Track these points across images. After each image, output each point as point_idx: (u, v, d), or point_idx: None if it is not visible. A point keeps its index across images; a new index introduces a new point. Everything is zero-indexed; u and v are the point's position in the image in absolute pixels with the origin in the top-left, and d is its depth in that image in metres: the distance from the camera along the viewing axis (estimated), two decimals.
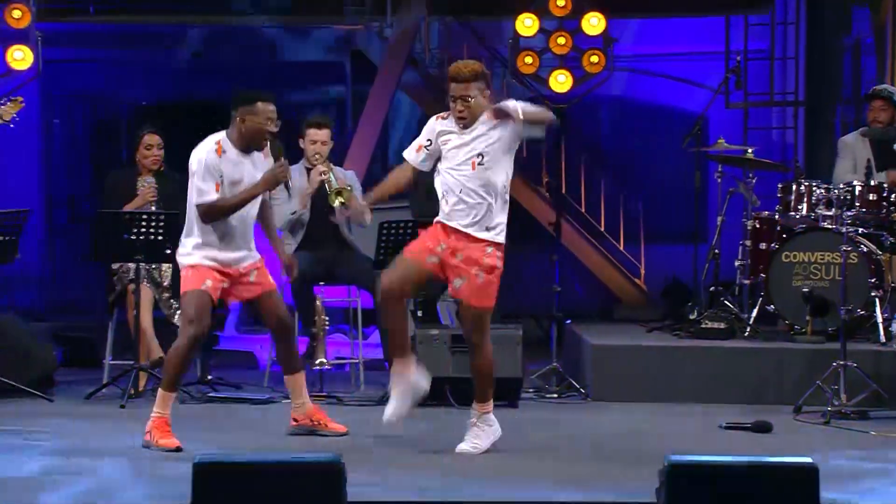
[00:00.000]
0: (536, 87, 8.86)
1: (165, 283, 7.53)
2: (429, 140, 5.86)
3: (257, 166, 5.95)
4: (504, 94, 10.85)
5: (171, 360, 5.86)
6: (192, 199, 5.86)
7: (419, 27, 10.76)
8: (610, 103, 11.71)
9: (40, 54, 8.53)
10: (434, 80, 10.85)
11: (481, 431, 5.83)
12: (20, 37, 8.44)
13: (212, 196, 5.80)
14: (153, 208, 7.50)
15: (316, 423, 6.12)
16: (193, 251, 5.89)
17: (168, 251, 7.08)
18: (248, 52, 11.60)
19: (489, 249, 5.75)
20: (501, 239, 5.82)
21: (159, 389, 5.91)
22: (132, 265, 7.22)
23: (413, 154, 5.93)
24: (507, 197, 5.86)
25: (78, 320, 9.58)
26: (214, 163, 5.82)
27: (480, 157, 5.72)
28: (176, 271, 7.51)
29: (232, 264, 5.92)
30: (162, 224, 7.06)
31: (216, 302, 5.98)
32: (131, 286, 7.26)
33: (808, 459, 4.28)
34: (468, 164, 5.73)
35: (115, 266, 7.51)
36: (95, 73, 11.95)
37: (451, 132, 5.79)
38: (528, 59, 8.71)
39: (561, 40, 8.63)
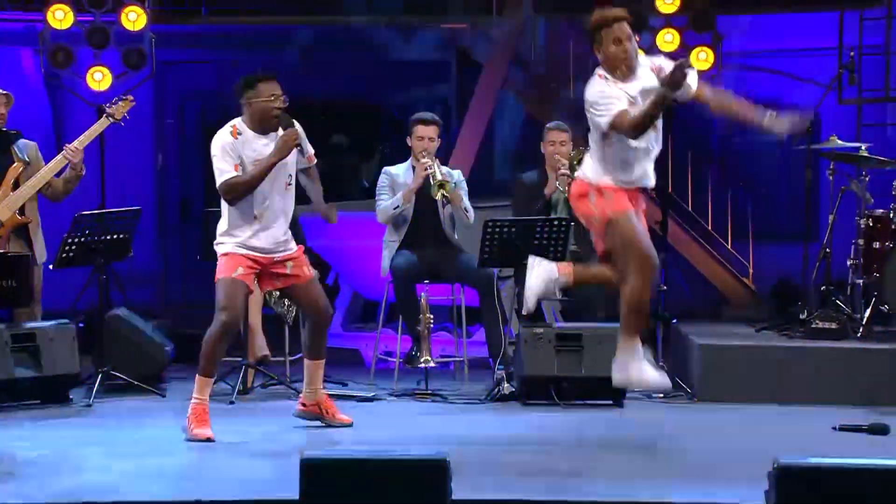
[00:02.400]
0: None
1: None
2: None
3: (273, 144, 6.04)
4: None
5: (203, 346, 5.99)
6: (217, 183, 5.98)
7: (525, 26, 10.73)
8: None
9: (154, 55, 8.70)
10: (540, 79, 10.82)
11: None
12: (135, 38, 8.62)
13: (230, 173, 5.92)
14: None
15: (324, 411, 6.20)
16: (225, 239, 6.02)
17: None
18: (355, 51, 11.67)
19: None
20: None
21: (196, 375, 6.03)
22: None
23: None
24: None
25: (189, 317, 9.74)
26: (230, 144, 5.96)
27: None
28: None
29: (264, 252, 6.01)
30: None
31: (251, 289, 6.08)
32: None
33: None
34: None
35: None
36: (207, 73, 12.15)
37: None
38: None
39: (668, 37, 8.53)
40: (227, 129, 6.04)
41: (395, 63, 11.62)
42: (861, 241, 7.83)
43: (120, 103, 7.29)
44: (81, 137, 7.19)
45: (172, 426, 6.33)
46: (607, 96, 5.60)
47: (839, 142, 8.09)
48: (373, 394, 7.29)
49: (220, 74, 12.13)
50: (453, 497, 4.29)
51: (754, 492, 4.43)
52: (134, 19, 8.60)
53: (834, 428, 6.33)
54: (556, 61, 10.94)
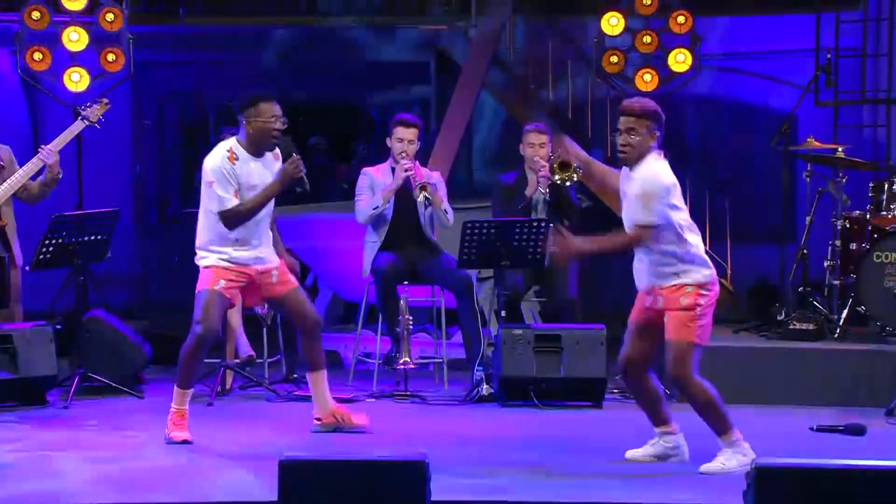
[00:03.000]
0: (622, 86, 8.79)
1: None
2: None
3: (268, 168, 6.03)
4: (589, 93, 10.85)
5: (179, 358, 6.00)
6: (211, 207, 5.95)
7: (504, 27, 10.73)
8: (696, 102, 11.58)
9: (132, 56, 8.67)
10: (519, 81, 10.82)
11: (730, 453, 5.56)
12: (113, 39, 8.58)
13: (232, 202, 5.90)
14: None
15: (339, 419, 6.17)
16: (209, 253, 6.00)
17: None
18: (333, 52, 11.67)
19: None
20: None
21: (174, 385, 6.04)
22: None
23: None
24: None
25: (168, 318, 9.71)
26: (229, 170, 5.93)
27: None
28: None
29: (249, 264, 6.00)
30: None
31: (233, 303, 6.08)
32: None
33: None
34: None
35: None
36: (185, 74, 12.12)
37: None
38: (614, 59, 8.64)
39: (647, 39, 8.56)
40: (222, 152, 5.97)
41: (373, 64, 11.62)
42: (838, 243, 7.86)
43: (95, 106, 7.25)
44: (57, 140, 7.15)
45: (150, 428, 6.31)
46: None
47: (816, 143, 8.13)
48: (352, 395, 7.28)
49: (197, 75, 12.10)
50: (432, 498, 4.29)
51: (733, 492, 4.44)
52: (112, 20, 8.56)
53: (811, 429, 6.36)
54: (535, 62, 10.95)
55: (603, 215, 10.44)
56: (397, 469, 4.30)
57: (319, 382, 6.16)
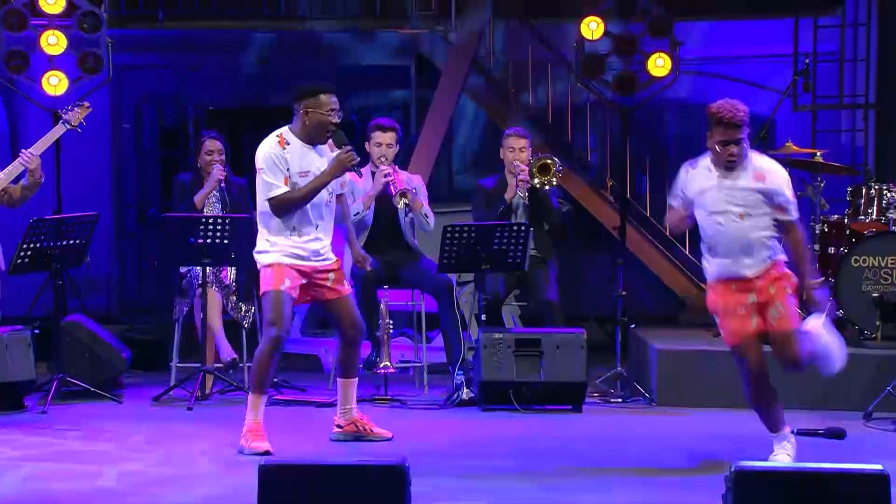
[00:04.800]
0: (601, 90, 8.81)
1: (233, 287, 7.60)
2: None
3: (323, 157, 5.96)
4: (568, 97, 10.86)
5: (255, 362, 5.90)
6: (263, 194, 5.87)
7: (484, 31, 10.74)
8: (676, 106, 11.61)
9: (111, 60, 8.64)
10: (499, 85, 10.83)
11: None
12: (91, 43, 8.55)
13: (281, 189, 5.82)
14: (219, 209, 7.57)
15: (361, 428, 6.12)
16: (270, 249, 5.89)
17: (233, 255, 7.15)
18: (313, 56, 11.65)
19: None
20: None
21: (249, 393, 5.95)
22: (200, 269, 7.28)
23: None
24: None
25: (147, 322, 9.69)
26: (279, 155, 5.85)
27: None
28: (240, 274, 7.60)
29: (308, 258, 5.91)
30: (227, 228, 7.11)
31: (297, 302, 5.99)
32: (199, 290, 7.33)
33: (878, 467, 4.21)
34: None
35: (183, 270, 7.59)
36: (164, 78, 12.08)
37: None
38: (594, 63, 8.65)
39: (627, 43, 8.57)
40: (273, 139, 5.90)
41: (353, 68, 11.61)
42: (816, 247, 7.90)
43: (77, 109, 7.23)
44: (38, 144, 7.12)
45: (129, 432, 6.30)
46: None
47: (795, 148, 8.17)
48: (332, 399, 7.26)
49: (177, 79, 12.07)
50: (412, 503, 4.29)
51: (712, 495, 4.46)
52: (90, 24, 8.52)
53: (791, 432, 6.37)
54: (515, 67, 10.96)
55: (583, 219, 10.47)
56: (377, 473, 4.30)
57: (349, 389, 6.13)
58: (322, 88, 5.91)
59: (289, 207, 5.85)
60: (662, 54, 8.47)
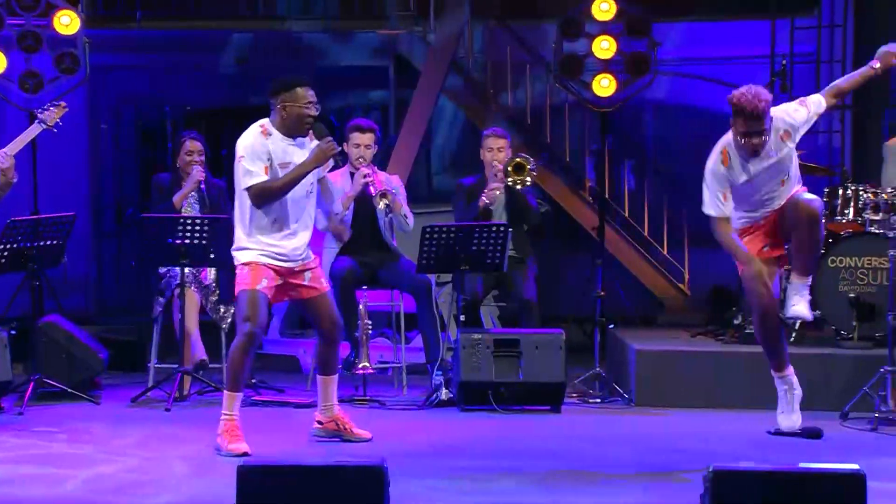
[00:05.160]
0: (580, 91, 8.82)
1: (213, 287, 7.58)
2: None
3: (304, 150, 5.93)
4: (547, 97, 10.88)
5: (230, 359, 5.89)
6: (241, 184, 5.81)
7: (462, 31, 10.75)
8: (654, 107, 11.64)
9: (88, 60, 8.60)
10: (477, 86, 10.84)
11: None
12: (68, 43, 8.51)
13: (261, 177, 5.78)
14: (198, 210, 7.56)
15: (341, 427, 6.12)
16: (248, 245, 5.86)
17: (212, 255, 7.13)
18: (292, 56, 11.63)
19: None
20: None
21: (224, 391, 5.94)
22: (178, 270, 7.26)
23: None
24: None
25: (125, 323, 9.65)
26: (261, 144, 5.81)
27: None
28: (220, 275, 7.57)
29: (286, 258, 5.88)
30: (206, 229, 7.09)
31: (272, 302, 5.97)
32: (177, 290, 7.30)
33: (855, 466, 4.23)
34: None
35: (161, 270, 7.56)
36: (142, 78, 12.04)
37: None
38: (572, 64, 8.66)
39: (605, 44, 8.59)
40: (256, 128, 5.86)
41: (332, 69, 11.59)
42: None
43: (53, 109, 7.18)
44: (12, 144, 7.07)
45: (107, 434, 6.27)
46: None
47: None
48: (311, 400, 7.26)
49: (155, 79, 12.03)
50: (391, 503, 4.28)
51: (690, 496, 4.47)
52: (67, 23, 8.48)
53: (769, 432, 6.40)
54: (494, 67, 10.97)
55: (562, 220, 10.49)
56: (356, 474, 4.29)
57: (329, 386, 6.12)
58: (298, 82, 5.89)
59: (268, 197, 5.80)
60: (641, 55, 8.49)
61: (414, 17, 10.74)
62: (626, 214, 11.11)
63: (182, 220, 7.15)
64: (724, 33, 11.30)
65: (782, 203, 5.64)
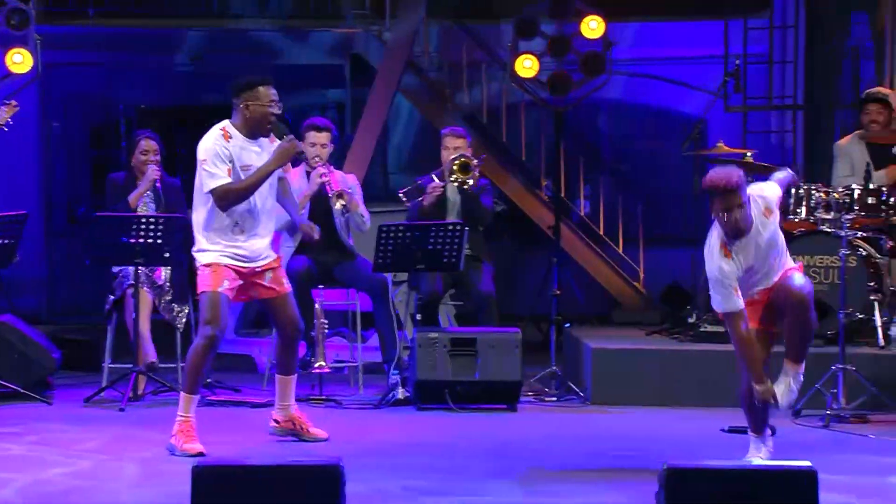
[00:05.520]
0: (535, 90, 8.85)
1: (166, 287, 7.53)
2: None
3: (265, 151, 5.92)
4: (503, 96, 10.90)
5: (189, 361, 5.86)
6: (204, 187, 5.79)
7: (418, 31, 10.75)
8: (609, 107, 11.70)
9: (39, 57, 8.52)
10: (434, 85, 10.85)
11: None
12: (19, 40, 8.43)
13: (224, 179, 5.76)
14: (153, 209, 7.51)
15: (298, 427, 6.10)
16: (210, 248, 5.84)
17: (167, 255, 7.09)
18: (247, 55, 11.59)
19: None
20: None
21: (181, 392, 5.91)
22: (132, 269, 7.21)
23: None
24: None
25: (77, 323, 9.58)
26: (223, 147, 5.80)
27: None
28: (174, 275, 7.53)
29: (247, 259, 5.87)
30: (161, 228, 7.05)
31: (233, 300, 5.95)
32: (130, 290, 7.26)
33: (807, 463, 4.27)
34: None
35: (115, 269, 7.51)
36: (94, 76, 11.95)
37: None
38: (528, 63, 8.70)
39: (560, 44, 8.63)
40: (217, 131, 5.84)
41: (287, 67, 11.56)
42: None
43: (3, 108, 7.11)
44: None
45: (60, 435, 6.21)
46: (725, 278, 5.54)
47: (726, 148, 8.26)
48: (266, 399, 7.23)
49: (107, 77, 11.94)
50: (347, 502, 4.28)
51: (645, 494, 4.49)
52: (18, 21, 8.40)
53: (723, 430, 6.45)
54: (450, 67, 10.98)
55: (518, 219, 10.51)
56: (312, 473, 4.28)
57: (287, 386, 6.10)
58: (260, 81, 5.88)
59: (231, 199, 5.78)
60: (595, 54, 8.54)
61: (370, 16, 10.73)
62: (582, 213, 11.16)
63: (137, 219, 7.11)
64: (679, 34, 11.38)
65: (776, 279, 5.62)
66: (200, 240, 5.89)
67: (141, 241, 7.03)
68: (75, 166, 12.24)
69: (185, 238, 7.34)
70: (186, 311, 7.55)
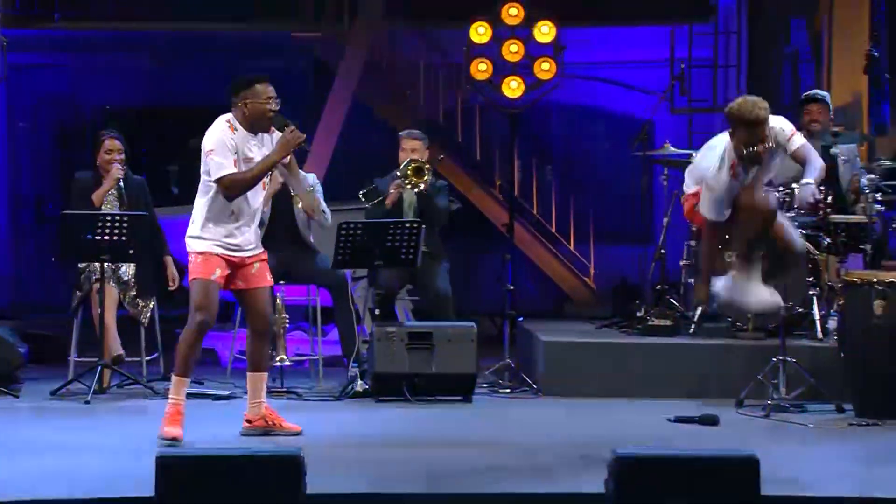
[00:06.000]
0: (490, 93, 8.86)
1: (131, 283, 7.49)
2: None
3: (265, 145, 5.93)
4: (458, 99, 10.91)
5: (180, 345, 5.85)
6: (213, 176, 5.77)
7: (376, 34, 10.74)
8: (560, 109, 11.74)
9: (6, 60, 8.44)
10: (392, 87, 10.84)
11: None
12: None
13: (231, 169, 5.77)
14: (117, 207, 7.46)
15: (270, 423, 6.04)
16: (204, 236, 5.83)
17: (131, 251, 7.06)
18: (210, 57, 11.53)
19: None
20: None
21: (172, 375, 5.88)
22: (97, 265, 7.17)
23: None
24: None
25: (44, 318, 9.50)
26: (229, 138, 5.80)
27: None
28: (138, 271, 7.49)
29: (239, 249, 5.87)
30: (126, 225, 7.01)
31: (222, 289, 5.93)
32: (96, 285, 7.21)
33: (749, 452, 4.32)
34: None
35: (81, 266, 7.46)
36: (60, 77, 11.85)
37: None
38: (482, 66, 8.70)
39: (513, 48, 8.63)
40: (222, 124, 5.84)
41: (249, 70, 11.51)
42: (693, 243, 8.04)
43: None
44: None
45: (26, 427, 6.16)
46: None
47: (672, 149, 8.31)
48: (229, 392, 7.22)
49: (74, 78, 11.85)
50: (307, 492, 4.28)
51: (595, 481, 4.52)
52: None
53: (668, 419, 6.50)
54: (408, 70, 10.98)
55: (474, 217, 10.52)
56: (273, 464, 4.27)
57: (258, 384, 6.03)
58: (257, 79, 5.90)
59: (238, 188, 5.79)
60: (548, 58, 8.55)
61: (330, 19, 10.71)
62: (535, 211, 11.20)
63: (102, 217, 7.06)
64: (627, 39, 11.44)
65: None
66: (195, 227, 5.87)
67: (106, 238, 6.99)
68: (42, 165, 12.14)
69: (149, 235, 7.31)
70: (151, 305, 7.51)
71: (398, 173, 7.64)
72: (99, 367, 7.12)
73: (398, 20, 10.79)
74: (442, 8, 10.39)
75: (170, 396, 5.84)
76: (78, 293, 7.45)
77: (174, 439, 5.66)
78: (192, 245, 5.88)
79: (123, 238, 7.00)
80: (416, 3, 10.55)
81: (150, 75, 11.69)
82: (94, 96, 11.86)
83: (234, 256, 5.88)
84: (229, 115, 5.90)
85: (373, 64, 10.77)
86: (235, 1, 10.72)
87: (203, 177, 5.87)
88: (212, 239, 5.84)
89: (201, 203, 5.87)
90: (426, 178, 7.63)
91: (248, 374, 6.08)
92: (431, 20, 10.82)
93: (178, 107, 12.07)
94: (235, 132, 5.84)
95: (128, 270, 7.48)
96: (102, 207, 7.46)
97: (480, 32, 8.54)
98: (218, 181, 5.78)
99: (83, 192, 7.54)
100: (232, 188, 5.78)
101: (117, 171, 7.47)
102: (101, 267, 7.13)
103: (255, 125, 5.88)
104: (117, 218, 7.05)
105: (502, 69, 8.79)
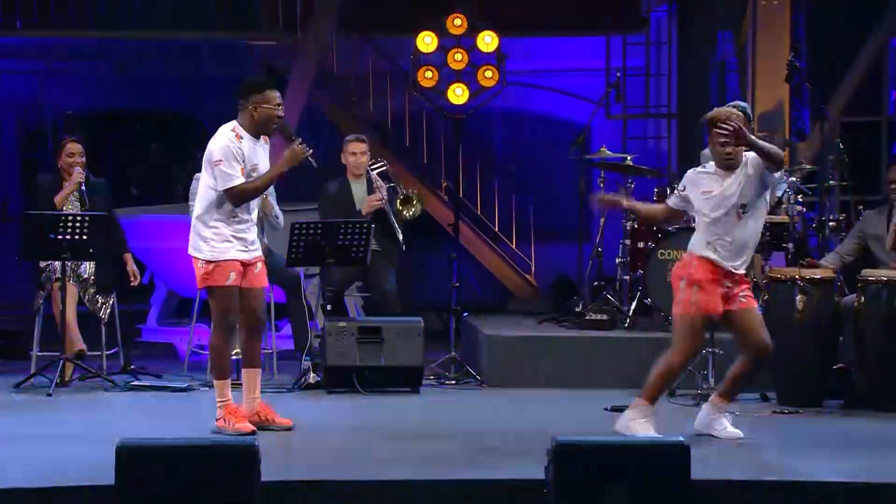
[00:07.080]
0: (436, 99, 8.85)
1: (90, 280, 7.39)
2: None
3: (265, 150, 5.85)
4: (406, 105, 10.88)
5: (211, 352, 5.80)
6: (221, 186, 5.64)
7: (328, 43, 10.69)
8: (503, 114, 11.76)
9: None
10: (342, 94, 10.80)
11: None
12: None
13: (240, 179, 5.65)
14: (79, 207, 7.36)
15: (264, 419, 5.92)
16: (211, 237, 5.67)
17: (92, 250, 6.98)
18: (169, 64, 11.42)
19: None
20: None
21: (214, 380, 5.80)
22: (58, 264, 7.07)
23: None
24: None
25: (7, 315, 9.35)
26: (236, 148, 5.68)
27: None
28: (98, 269, 7.39)
29: (247, 249, 5.77)
30: (87, 225, 6.92)
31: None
32: (57, 283, 7.11)
33: (680, 439, 4.34)
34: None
35: (42, 264, 7.35)
36: (24, 83, 11.69)
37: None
38: (429, 74, 8.68)
39: (458, 56, 8.63)
40: (229, 132, 5.70)
41: (206, 76, 11.43)
42: (627, 242, 8.09)
43: None
44: None
45: None
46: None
47: (608, 153, 8.35)
48: (187, 384, 7.14)
49: (37, 84, 11.69)
50: (262, 479, 4.24)
51: (537, 467, 4.52)
52: None
53: (605, 408, 6.52)
54: (357, 77, 10.94)
55: (422, 218, 10.49)
56: (229, 452, 4.24)
57: (253, 379, 5.92)
58: (268, 84, 5.80)
59: (246, 198, 5.70)
60: (490, 67, 8.56)
61: (283, 29, 10.64)
62: (479, 211, 11.20)
63: (64, 217, 6.97)
64: (565, 48, 11.48)
65: (742, 272, 5.69)
66: (201, 234, 5.70)
67: (67, 237, 6.89)
68: (6, 168, 11.96)
69: (108, 234, 7.21)
70: (111, 302, 7.43)
71: (385, 195, 7.61)
72: (61, 361, 7.02)
73: (349, 29, 10.74)
74: (391, 18, 10.36)
75: (218, 400, 5.74)
76: (41, 293, 7.34)
77: (252, 433, 5.57)
78: (199, 252, 5.71)
79: (84, 237, 6.91)
80: (367, 14, 10.51)
81: (110, 81, 11.55)
82: (57, 101, 11.71)
83: (246, 257, 5.76)
84: (234, 124, 5.76)
85: (324, 70, 10.71)
86: (193, 10, 10.62)
87: (207, 185, 5.71)
88: (223, 244, 5.69)
89: (204, 210, 5.70)
90: (413, 211, 7.69)
91: (244, 370, 5.96)
92: (381, 30, 10.79)
93: (140, 112, 11.96)
94: (241, 140, 5.71)
95: (87, 268, 7.39)
96: (64, 208, 7.36)
97: (427, 42, 8.53)
98: (227, 191, 5.66)
99: (45, 193, 7.43)
100: (240, 198, 5.69)
101: (79, 174, 7.37)
102: (63, 265, 7.03)
103: (261, 129, 5.77)
104: (78, 218, 6.96)
105: (448, 77, 8.78)
